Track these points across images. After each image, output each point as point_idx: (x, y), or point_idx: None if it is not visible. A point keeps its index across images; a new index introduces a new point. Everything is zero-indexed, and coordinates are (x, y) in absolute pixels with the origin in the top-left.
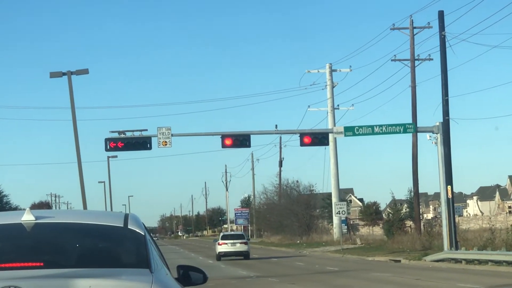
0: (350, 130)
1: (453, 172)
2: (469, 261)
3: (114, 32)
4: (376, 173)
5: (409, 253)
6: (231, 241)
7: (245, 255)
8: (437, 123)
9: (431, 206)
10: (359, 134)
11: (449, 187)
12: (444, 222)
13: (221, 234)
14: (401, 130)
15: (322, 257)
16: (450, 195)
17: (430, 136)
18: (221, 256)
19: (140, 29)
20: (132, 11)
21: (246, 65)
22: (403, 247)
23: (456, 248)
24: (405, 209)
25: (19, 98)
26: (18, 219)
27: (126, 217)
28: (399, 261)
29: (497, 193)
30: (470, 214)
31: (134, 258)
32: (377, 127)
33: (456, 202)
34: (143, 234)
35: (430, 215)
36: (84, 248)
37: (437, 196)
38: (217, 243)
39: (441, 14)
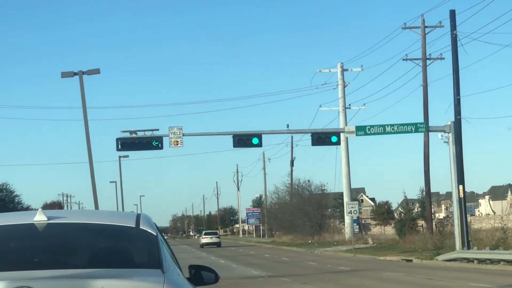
0: (361, 130)
1: (465, 172)
2: (481, 261)
3: (126, 31)
4: (388, 172)
5: (421, 253)
6: (210, 236)
7: (217, 244)
8: (449, 123)
9: (443, 206)
10: (370, 134)
11: (461, 187)
12: (456, 221)
13: (204, 232)
14: (413, 129)
15: (334, 257)
16: (462, 195)
17: (441, 136)
18: (204, 245)
19: (151, 28)
20: (143, 10)
21: (258, 65)
22: (415, 246)
23: (468, 248)
24: (417, 209)
25: (31, 98)
26: (31, 219)
27: (138, 217)
28: (411, 260)
29: (509, 192)
30: (482, 214)
31: (146, 258)
32: (389, 126)
33: (468, 201)
34: (155, 234)
35: (442, 215)
36: (96, 248)
37: (449, 195)
38: (201, 237)
39: (452, 13)
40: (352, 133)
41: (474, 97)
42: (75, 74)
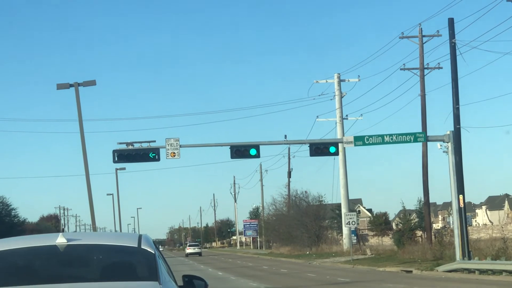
0: (360, 140)
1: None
2: (482, 271)
3: (123, 43)
4: (384, 183)
5: (421, 263)
6: (193, 247)
7: (199, 253)
8: (448, 132)
9: (440, 216)
10: (369, 144)
11: (461, 197)
12: (456, 231)
13: (188, 243)
14: (412, 139)
15: (333, 268)
16: (462, 205)
17: (441, 145)
18: (188, 255)
19: (149, 40)
20: (140, 22)
21: (255, 76)
22: (414, 257)
23: (469, 258)
24: (415, 219)
25: (27, 110)
26: (53, 242)
27: (139, 238)
28: (411, 271)
29: (506, 202)
30: (479, 224)
31: (146, 273)
32: (387, 136)
33: None
34: (154, 252)
35: (439, 225)
36: (106, 265)
37: (446, 205)
38: (186, 248)
39: (451, 22)
40: (351, 143)
41: (470, 107)
42: (71, 86)
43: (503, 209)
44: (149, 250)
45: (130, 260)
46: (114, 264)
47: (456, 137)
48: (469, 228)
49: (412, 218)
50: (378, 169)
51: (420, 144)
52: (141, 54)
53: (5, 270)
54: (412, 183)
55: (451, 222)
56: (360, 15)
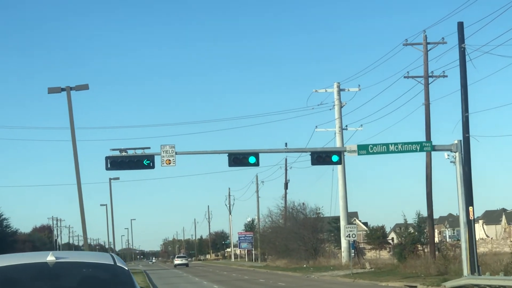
0: (364, 148)
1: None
2: None
3: (118, 50)
4: (380, 196)
5: (425, 278)
6: (180, 258)
7: (186, 264)
8: (456, 141)
9: (436, 230)
10: (373, 153)
11: (470, 208)
12: (464, 245)
13: (176, 255)
14: (418, 148)
15: (332, 282)
16: (472, 217)
17: (448, 155)
18: (176, 265)
19: (145, 47)
20: (138, 31)
21: (252, 85)
22: (416, 271)
23: (479, 273)
24: (414, 233)
25: (18, 118)
26: (44, 259)
27: (113, 257)
28: (415, 286)
29: (503, 217)
30: (476, 238)
31: (123, 286)
32: (392, 145)
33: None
34: (127, 269)
35: (435, 239)
36: (89, 279)
37: (442, 219)
38: (174, 259)
39: (460, 26)
40: (354, 152)
41: (478, 115)
42: (63, 90)
43: (500, 224)
44: (123, 267)
45: (109, 275)
46: (95, 278)
47: (465, 146)
48: None
49: (412, 232)
50: (373, 183)
51: (422, 155)
52: (138, 63)
53: (3, 284)
54: (409, 196)
55: (447, 236)
56: (362, 23)
